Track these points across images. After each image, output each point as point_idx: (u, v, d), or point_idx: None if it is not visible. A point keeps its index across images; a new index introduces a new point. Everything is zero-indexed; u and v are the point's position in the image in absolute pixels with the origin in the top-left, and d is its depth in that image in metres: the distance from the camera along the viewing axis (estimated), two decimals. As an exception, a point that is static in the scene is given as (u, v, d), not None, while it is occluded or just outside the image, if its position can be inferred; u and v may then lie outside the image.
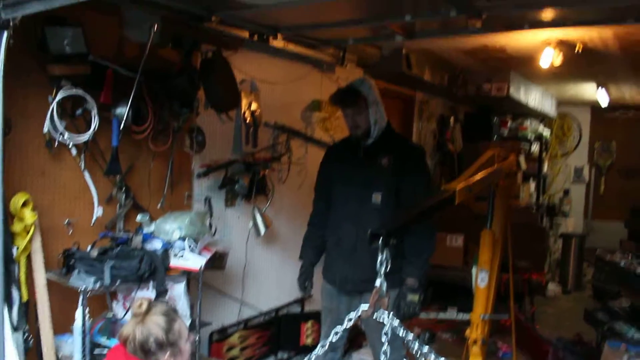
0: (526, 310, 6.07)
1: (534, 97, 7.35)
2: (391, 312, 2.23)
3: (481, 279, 3.74)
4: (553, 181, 9.83)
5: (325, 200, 3.30)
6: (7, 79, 2.32)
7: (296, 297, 4.52)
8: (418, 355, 2.63)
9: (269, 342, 4.39)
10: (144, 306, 2.07)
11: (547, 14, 3.45)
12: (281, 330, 4.50)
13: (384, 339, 2.16)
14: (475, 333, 3.68)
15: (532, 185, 8.35)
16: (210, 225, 3.61)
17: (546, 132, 9.02)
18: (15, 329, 2.69)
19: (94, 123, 2.89)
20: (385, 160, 3.13)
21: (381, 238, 2.21)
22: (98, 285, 2.62)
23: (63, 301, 2.86)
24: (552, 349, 4.82)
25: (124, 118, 2.92)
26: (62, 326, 2.83)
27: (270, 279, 4.42)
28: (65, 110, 2.84)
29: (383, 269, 2.22)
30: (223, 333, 4.01)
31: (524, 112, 8.11)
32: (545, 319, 6.53)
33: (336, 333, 2.33)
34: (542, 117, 9.17)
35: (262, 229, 4.04)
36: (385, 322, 2.21)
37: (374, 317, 2.26)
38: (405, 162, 3.13)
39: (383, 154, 3.13)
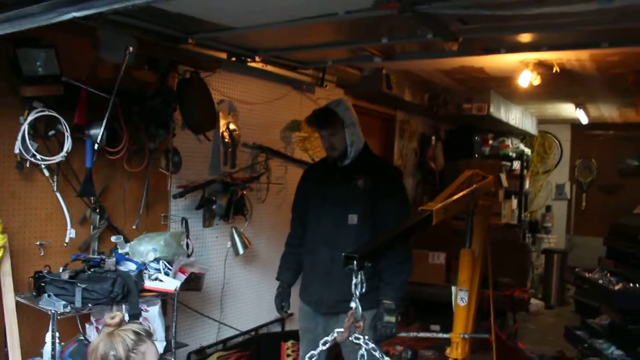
0: (509, 327, 6.08)
1: (515, 116, 7.42)
2: (366, 336, 2.23)
3: (460, 298, 3.75)
4: (535, 198, 9.90)
5: (302, 221, 3.30)
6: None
7: (276, 316, 4.49)
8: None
9: (249, 363, 4.36)
10: (117, 319, 2.03)
11: (523, 38, 3.50)
12: (261, 349, 4.46)
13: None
14: (455, 352, 3.67)
15: (515, 202, 8.40)
16: (187, 246, 3.60)
17: (527, 150, 9.09)
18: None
19: (67, 144, 2.87)
20: (361, 182, 3.12)
21: (355, 261, 2.23)
22: (69, 308, 2.59)
23: (34, 324, 2.82)
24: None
25: (98, 139, 2.91)
26: (33, 350, 2.79)
27: (249, 299, 4.39)
28: (38, 131, 2.83)
29: (358, 291, 2.23)
30: (201, 354, 3.97)
31: (505, 130, 8.18)
32: (529, 334, 6.54)
33: (311, 357, 2.32)
34: (524, 136, 9.25)
35: (241, 249, 4.02)
36: (361, 345, 2.21)
37: (350, 340, 2.27)
38: (382, 183, 3.13)
39: (359, 175, 3.12)
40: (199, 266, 3.35)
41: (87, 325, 2.98)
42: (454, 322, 3.75)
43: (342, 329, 2.27)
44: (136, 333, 2.04)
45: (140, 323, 2.56)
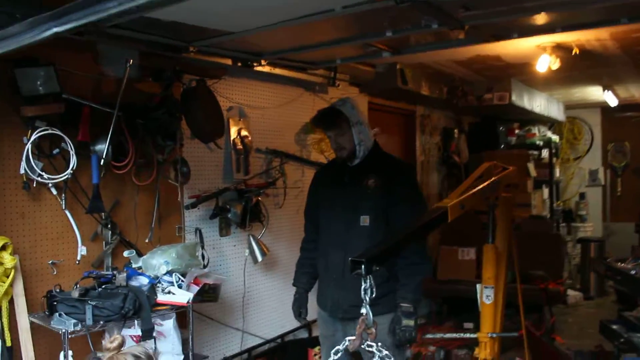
0: (546, 321, 5.90)
1: (539, 103, 7.22)
2: (379, 342, 2.16)
3: (486, 296, 3.63)
4: (567, 186, 9.63)
5: (315, 224, 3.24)
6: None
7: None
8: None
9: (276, 371, 4.31)
10: (116, 342, 1.99)
11: (534, 20, 3.35)
12: (288, 357, 4.41)
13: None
14: (484, 352, 3.56)
15: (545, 192, 8.18)
16: (203, 257, 3.57)
17: (556, 137, 8.85)
18: (0, 376, 2.66)
19: (72, 161, 2.86)
20: (372, 181, 3.03)
21: (363, 265, 2.15)
22: (79, 327, 2.57)
23: (49, 343, 2.82)
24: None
25: (104, 154, 2.89)
26: (50, 367, 2.79)
27: (272, 306, 4.34)
28: (42, 150, 2.83)
29: (368, 297, 2.15)
30: (225, 365, 3.94)
31: (531, 118, 7.98)
32: (567, 328, 6.36)
33: None
34: (551, 123, 9.01)
35: (259, 256, 3.97)
36: (374, 353, 2.13)
37: (363, 347, 2.19)
38: (394, 181, 3.04)
39: (370, 175, 3.04)
40: (214, 276, 3.31)
41: (102, 342, 2.95)
42: (481, 321, 3.63)
43: (353, 337, 2.21)
44: (135, 357, 2.01)
45: (145, 347, 2.52)
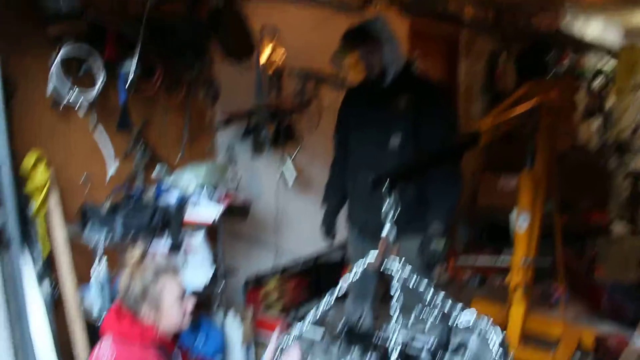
0: (587, 253, 5.81)
1: (594, 29, 6.83)
2: (402, 261, 2.16)
3: (521, 223, 3.58)
4: (621, 117, 9.22)
5: (344, 145, 3.21)
6: (8, 42, 2.33)
7: (336, 244, 4.47)
8: (432, 304, 2.55)
9: (309, 290, 4.39)
10: (136, 256, 2.06)
11: None
12: (321, 277, 4.48)
13: (392, 290, 2.09)
14: (516, 279, 3.54)
15: (596, 122, 7.86)
16: (233, 176, 3.61)
17: (610, 65, 8.40)
18: (39, 282, 2.79)
19: (100, 80, 2.87)
20: (403, 102, 2.96)
21: (386, 183, 2.13)
22: (110, 239, 2.66)
23: (83, 256, 2.92)
24: (607, 294, 4.59)
25: (131, 73, 2.89)
26: (84, 279, 2.91)
27: (306, 227, 4.38)
28: (70, 69, 2.82)
29: (390, 215, 2.14)
30: (258, 281, 4.04)
31: (583, 45, 7.57)
32: (610, 261, 6.22)
33: (331, 294, 2.29)
34: (606, 50, 8.53)
35: (291, 178, 3.99)
36: (394, 272, 2.14)
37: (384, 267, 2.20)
38: (426, 103, 2.95)
39: (401, 95, 2.96)
40: (244, 194, 3.35)
41: (124, 256, 3.06)
42: (514, 248, 3.60)
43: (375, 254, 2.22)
44: (156, 268, 2.06)
45: (168, 259, 2.57)
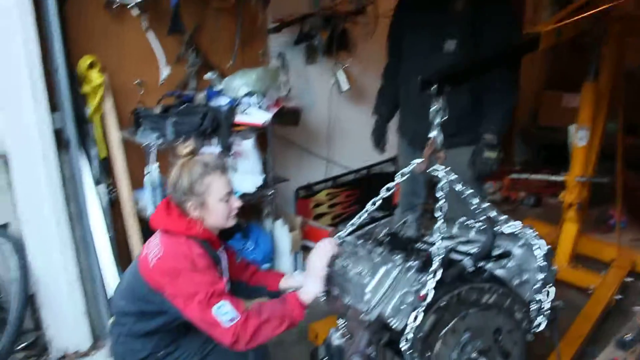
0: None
1: None
2: (448, 167, 2.11)
3: (580, 138, 3.43)
4: None
5: (398, 50, 3.09)
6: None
7: (389, 155, 4.44)
8: (478, 212, 2.51)
9: (360, 201, 4.40)
10: (188, 149, 2.07)
11: None
12: (372, 188, 4.46)
13: (438, 194, 2.06)
14: (570, 196, 3.43)
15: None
16: (286, 82, 3.57)
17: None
18: (96, 183, 2.91)
19: (151, -20, 2.85)
20: (460, 4, 2.81)
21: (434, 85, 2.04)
22: (161, 140, 2.71)
23: (137, 156, 3.00)
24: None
25: (181, -26, 2.85)
26: (139, 181, 3.00)
27: (358, 138, 4.31)
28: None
29: (438, 119, 2.07)
30: (309, 190, 4.07)
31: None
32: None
33: (373, 203, 2.28)
34: None
35: (344, 86, 3.93)
36: (440, 177, 2.10)
37: (428, 171, 2.16)
38: (485, 5, 2.79)
39: (458, -3, 2.81)
40: (295, 101, 3.33)
41: (177, 149, 3.11)
42: (571, 164, 3.47)
43: (420, 160, 2.17)
44: (204, 165, 2.07)
45: (218, 157, 2.57)
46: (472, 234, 2.44)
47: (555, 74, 5.82)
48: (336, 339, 2.11)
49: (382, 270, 2.05)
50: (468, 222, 2.48)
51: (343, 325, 2.07)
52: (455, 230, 2.54)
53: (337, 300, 2.14)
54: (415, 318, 1.89)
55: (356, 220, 2.38)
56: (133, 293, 2.10)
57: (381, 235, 2.40)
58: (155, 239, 2.08)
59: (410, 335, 1.89)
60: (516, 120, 5.91)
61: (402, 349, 1.91)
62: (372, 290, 2.02)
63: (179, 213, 2.07)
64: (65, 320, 2.84)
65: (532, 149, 6.06)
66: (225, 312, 1.90)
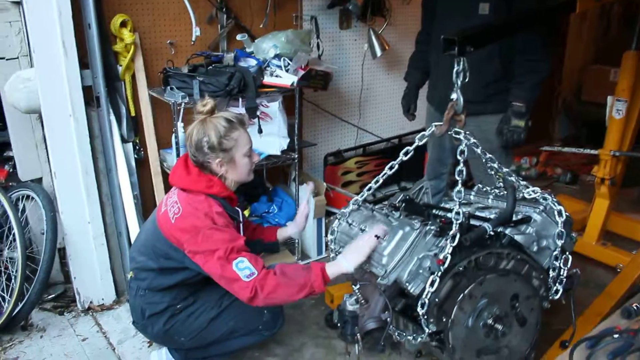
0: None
1: None
2: (467, 131, 2.08)
3: (617, 110, 3.30)
4: None
5: (432, 16, 3.03)
6: None
7: (421, 125, 4.38)
8: (500, 180, 2.46)
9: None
10: (208, 106, 2.07)
11: None
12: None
13: (459, 157, 2.03)
14: (602, 171, 3.32)
15: None
16: (318, 46, 3.55)
17: None
18: (125, 141, 2.96)
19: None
20: (494, -34, 2.72)
21: (457, 44, 1.98)
22: (187, 99, 2.72)
23: (165, 114, 3.05)
24: None
25: None
26: (167, 140, 3.05)
27: (391, 106, 4.30)
28: None
29: (460, 81, 2.03)
30: (338, 156, 4.06)
31: None
32: None
33: (391, 167, 2.26)
34: None
35: (379, 51, 3.86)
36: (461, 140, 2.06)
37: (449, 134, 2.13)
38: None
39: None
40: (324, 65, 3.29)
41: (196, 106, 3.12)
42: (606, 137, 3.36)
43: (441, 122, 2.14)
44: (228, 120, 2.08)
45: (239, 113, 2.56)
46: (489, 200, 2.41)
47: (605, 49, 5.61)
48: (350, 305, 2.12)
49: (399, 233, 2.04)
50: (486, 188, 2.44)
51: (357, 290, 2.07)
52: (473, 194, 2.51)
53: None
54: (433, 283, 1.89)
55: (373, 185, 2.38)
56: (154, 249, 2.14)
57: (397, 201, 2.38)
58: (174, 196, 2.11)
59: (427, 300, 1.89)
60: (559, 94, 5.75)
61: (419, 314, 1.91)
62: (390, 254, 2.02)
63: (198, 171, 2.10)
64: (91, 273, 2.93)
65: (575, 125, 5.88)
66: (244, 268, 1.93)
